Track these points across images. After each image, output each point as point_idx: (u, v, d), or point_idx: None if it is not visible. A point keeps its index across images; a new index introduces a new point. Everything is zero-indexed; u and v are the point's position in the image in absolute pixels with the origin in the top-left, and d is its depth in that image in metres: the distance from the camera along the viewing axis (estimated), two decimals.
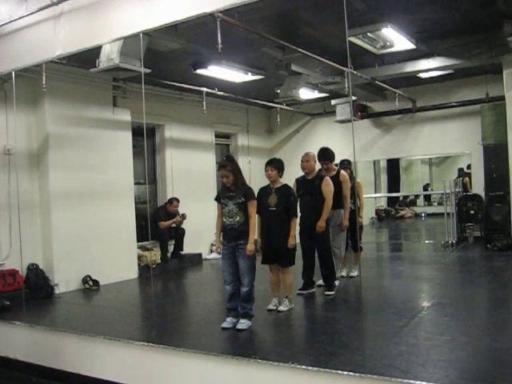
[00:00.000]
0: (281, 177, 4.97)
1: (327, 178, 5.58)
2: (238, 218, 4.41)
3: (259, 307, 4.77)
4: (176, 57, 6.50)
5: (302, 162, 5.60)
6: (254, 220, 4.46)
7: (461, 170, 10.97)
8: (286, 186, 4.98)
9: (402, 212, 12.98)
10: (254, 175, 10.33)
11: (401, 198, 13.11)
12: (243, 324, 4.34)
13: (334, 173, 5.92)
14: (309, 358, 3.63)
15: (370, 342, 3.79)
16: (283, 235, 4.83)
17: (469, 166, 10.12)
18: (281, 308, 4.93)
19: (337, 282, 5.84)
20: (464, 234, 9.20)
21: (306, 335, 4.06)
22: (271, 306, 4.98)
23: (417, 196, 13.58)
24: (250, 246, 4.34)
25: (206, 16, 3.94)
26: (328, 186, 5.49)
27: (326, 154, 5.91)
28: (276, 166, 4.94)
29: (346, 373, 3.13)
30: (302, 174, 5.66)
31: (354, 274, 6.36)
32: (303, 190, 5.55)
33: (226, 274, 4.49)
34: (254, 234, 4.43)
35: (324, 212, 5.41)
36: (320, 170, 5.76)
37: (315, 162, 5.64)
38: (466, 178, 10.09)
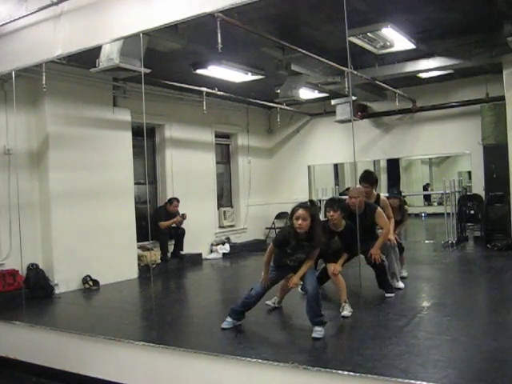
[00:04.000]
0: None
1: (379, 209, 5.27)
2: (301, 260, 4.27)
3: (260, 307, 4.77)
4: (176, 57, 6.50)
5: (351, 198, 5.17)
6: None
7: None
8: (350, 226, 4.84)
9: None
10: (254, 175, 10.39)
11: None
12: (319, 332, 4.01)
13: (374, 199, 5.58)
14: (309, 358, 3.64)
15: (370, 342, 3.79)
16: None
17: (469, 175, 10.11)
18: (345, 313, 4.63)
19: (402, 284, 5.69)
20: (464, 233, 9.20)
21: (306, 335, 4.06)
22: (269, 302, 4.98)
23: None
24: (296, 279, 4.24)
25: (206, 16, 3.94)
26: (382, 218, 5.26)
27: (369, 178, 5.63)
28: (338, 205, 4.78)
29: (346, 373, 3.13)
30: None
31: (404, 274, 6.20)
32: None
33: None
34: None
35: (381, 238, 5.22)
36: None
37: (364, 196, 5.30)
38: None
